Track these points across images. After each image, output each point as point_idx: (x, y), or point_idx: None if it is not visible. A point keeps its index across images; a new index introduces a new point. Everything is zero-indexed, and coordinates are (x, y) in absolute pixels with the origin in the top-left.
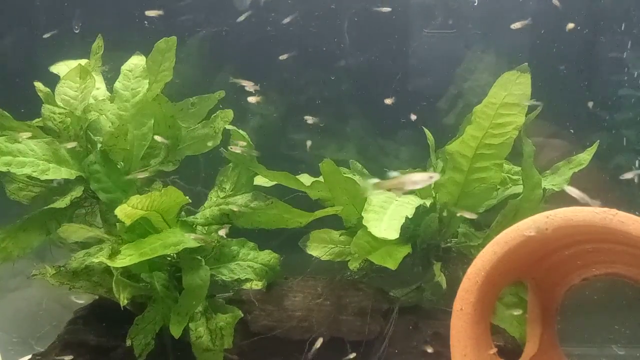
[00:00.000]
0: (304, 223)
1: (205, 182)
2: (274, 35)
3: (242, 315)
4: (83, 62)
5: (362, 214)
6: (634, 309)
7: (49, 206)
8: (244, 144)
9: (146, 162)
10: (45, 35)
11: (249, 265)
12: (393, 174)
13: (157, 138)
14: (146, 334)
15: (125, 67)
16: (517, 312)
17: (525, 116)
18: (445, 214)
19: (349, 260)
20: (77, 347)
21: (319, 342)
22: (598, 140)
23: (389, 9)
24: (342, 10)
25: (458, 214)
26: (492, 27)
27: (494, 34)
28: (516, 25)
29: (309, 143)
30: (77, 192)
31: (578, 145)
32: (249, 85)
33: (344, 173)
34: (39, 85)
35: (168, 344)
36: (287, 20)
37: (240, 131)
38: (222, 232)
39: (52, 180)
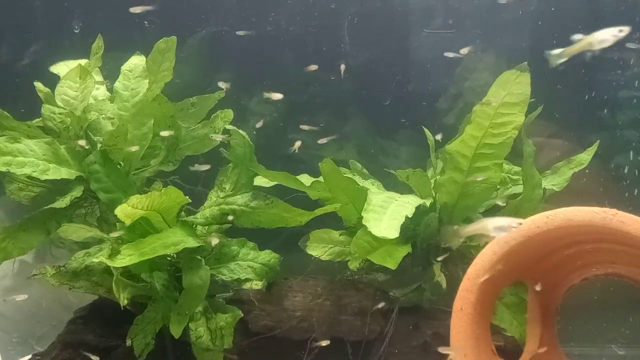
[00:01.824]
0: (303, 222)
1: (205, 182)
2: (274, 35)
3: (242, 315)
4: (83, 62)
5: (362, 214)
6: (634, 309)
7: (49, 206)
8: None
9: (146, 162)
10: None
11: (249, 265)
12: None
13: (163, 133)
14: (146, 334)
15: (125, 67)
16: None
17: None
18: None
19: (348, 260)
20: (77, 347)
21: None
22: (598, 140)
23: None
24: (342, 10)
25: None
26: (492, 26)
27: (494, 34)
28: (464, 51)
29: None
30: (77, 192)
31: (578, 145)
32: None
33: (344, 173)
34: (39, 85)
35: (168, 344)
36: (241, 32)
37: (240, 131)
38: (214, 241)
39: (52, 180)
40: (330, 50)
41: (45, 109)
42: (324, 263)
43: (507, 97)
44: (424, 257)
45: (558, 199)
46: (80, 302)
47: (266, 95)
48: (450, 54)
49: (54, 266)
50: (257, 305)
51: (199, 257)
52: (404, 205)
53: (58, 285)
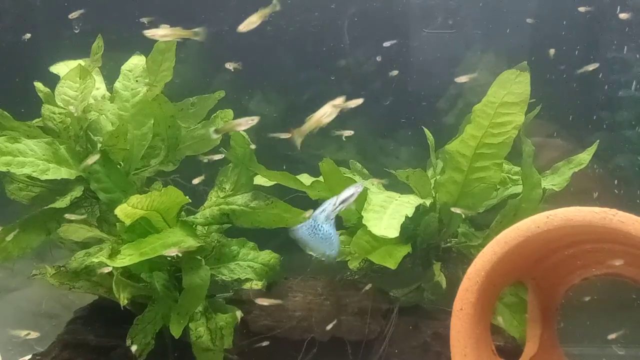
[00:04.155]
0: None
1: (206, 182)
2: (274, 35)
3: (242, 315)
4: (83, 62)
5: (362, 213)
6: (634, 309)
7: (49, 206)
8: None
9: (146, 162)
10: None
11: (249, 265)
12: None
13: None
14: (146, 334)
15: (125, 67)
16: None
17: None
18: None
19: (348, 260)
20: (77, 347)
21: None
22: (598, 140)
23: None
24: (342, 10)
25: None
26: (492, 26)
27: (494, 34)
28: (461, 79)
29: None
30: (77, 192)
31: (578, 145)
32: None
33: (344, 173)
34: (39, 85)
35: (168, 344)
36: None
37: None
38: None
39: (52, 180)
40: (330, 50)
41: (45, 109)
42: (323, 263)
43: (507, 97)
44: (424, 257)
45: (558, 199)
46: (81, 302)
47: (337, 133)
48: (387, 43)
49: (54, 266)
50: (257, 305)
51: (199, 257)
52: (404, 205)
53: (58, 285)
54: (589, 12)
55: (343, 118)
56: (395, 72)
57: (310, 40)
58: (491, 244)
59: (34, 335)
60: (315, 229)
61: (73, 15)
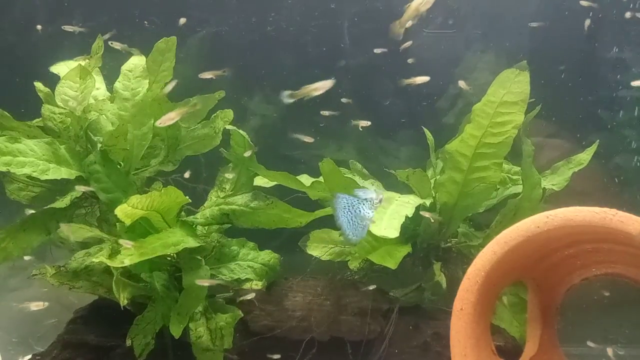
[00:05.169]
0: (304, 223)
1: (207, 182)
2: (274, 36)
3: (242, 315)
4: (83, 62)
5: None
6: (634, 309)
7: (49, 206)
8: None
9: (146, 162)
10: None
11: (249, 265)
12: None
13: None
14: (146, 333)
15: (125, 67)
16: None
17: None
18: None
19: (348, 260)
20: (77, 347)
21: None
22: (598, 140)
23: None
24: (342, 10)
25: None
26: (492, 26)
27: (494, 34)
28: (462, 85)
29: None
30: (77, 192)
31: (578, 145)
32: None
33: (344, 173)
34: (39, 85)
35: (168, 344)
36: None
37: (240, 131)
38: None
39: (52, 180)
40: (330, 50)
41: (45, 109)
42: (324, 263)
43: (507, 96)
44: (424, 257)
45: (558, 199)
46: (80, 302)
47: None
48: (379, 50)
49: (54, 266)
50: (257, 305)
51: (199, 257)
52: (404, 205)
53: (58, 285)
54: (590, 8)
55: (344, 118)
56: (411, 60)
57: (310, 40)
58: (491, 244)
59: None
60: (355, 207)
61: (66, 27)
